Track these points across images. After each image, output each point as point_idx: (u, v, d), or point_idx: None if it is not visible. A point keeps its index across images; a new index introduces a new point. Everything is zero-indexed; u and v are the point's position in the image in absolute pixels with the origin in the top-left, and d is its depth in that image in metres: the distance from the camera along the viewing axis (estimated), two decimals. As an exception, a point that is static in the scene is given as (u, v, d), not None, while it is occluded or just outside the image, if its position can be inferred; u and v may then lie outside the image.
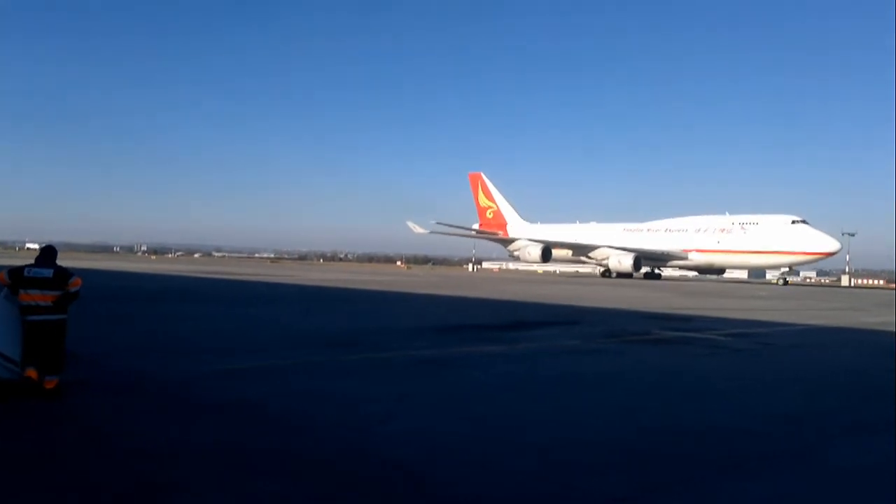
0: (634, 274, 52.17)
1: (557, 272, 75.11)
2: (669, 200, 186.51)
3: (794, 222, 47.86)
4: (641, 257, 51.86)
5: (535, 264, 63.18)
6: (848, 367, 9.43)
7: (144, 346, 9.08)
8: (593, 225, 61.10)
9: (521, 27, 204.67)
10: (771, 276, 57.97)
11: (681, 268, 56.76)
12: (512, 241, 60.25)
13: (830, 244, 47.10)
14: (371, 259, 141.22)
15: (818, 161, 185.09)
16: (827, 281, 71.21)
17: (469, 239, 70.26)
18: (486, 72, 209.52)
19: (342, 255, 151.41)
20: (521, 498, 3.68)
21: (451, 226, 64.81)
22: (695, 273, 58.95)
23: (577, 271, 73.55)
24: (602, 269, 56.45)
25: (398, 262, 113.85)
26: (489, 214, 68.01)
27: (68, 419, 5.07)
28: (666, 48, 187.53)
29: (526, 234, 61.38)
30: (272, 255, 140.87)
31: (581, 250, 56.50)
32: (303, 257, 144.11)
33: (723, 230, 50.57)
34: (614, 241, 54.86)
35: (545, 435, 4.98)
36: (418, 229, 62.36)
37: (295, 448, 4.43)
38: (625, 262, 51.20)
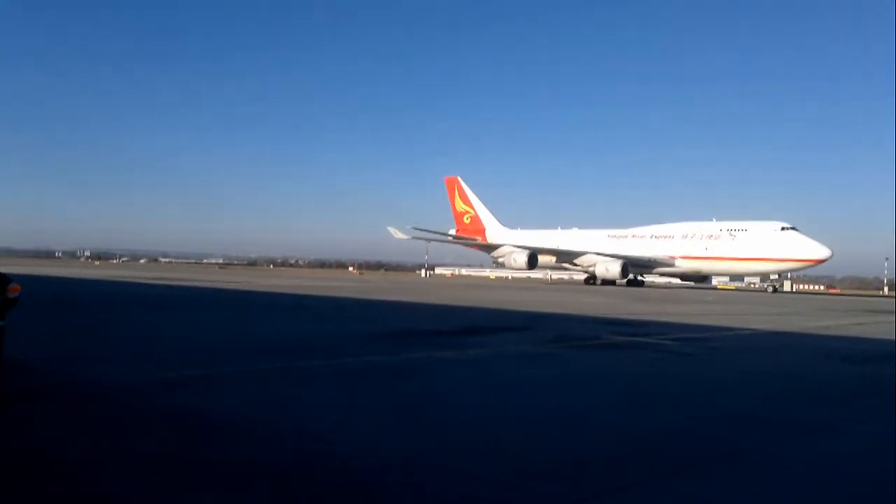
0: (618, 281, 51.40)
1: (550, 278, 73.34)
2: (650, 206, 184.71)
3: (783, 229, 47.26)
4: (629, 264, 51.09)
5: (521, 271, 61.84)
6: (791, 370, 9.67)
7: (89, 353, 8.79)
8: (575, 231, 60.19)
9: (500, 31, 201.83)
10: (750, 281, 58.53)
11: (667, 275, 56.15)
12: (496, 247, 59.19)
13: (821, 251, 46.42)
14: (323, 265, 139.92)
15: (798, 167, 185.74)
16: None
17: (422, 243, 69.19)
18: (455, 72, 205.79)
19: (293, 261, 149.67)
20: (472, 505, 3.64)
21: (429, 231, 63.48)
22: (678, 280, 58.19)
23: (562, 278, 72.38)
24: (587, 275, 55.60)
25: (350, 268, 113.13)
26: (466, 220, 66.98)
27: (6, 428, 4.84)
28: (649, 50, 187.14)
29: (507, 239, 60.47)
30: (221, 261, 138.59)
31: (566, 257, 55.65)
32: (252, 263, 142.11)
33: (710, 236, 50.06)
34: (599, 247, 54.16)
35: (499, 441, 4.96)
36: (399, 235, 61.04)
37: (243, 457, 4.32)
38: (612, 269, 50.64)
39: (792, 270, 50.21)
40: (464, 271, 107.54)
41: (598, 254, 52.82)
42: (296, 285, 34.94)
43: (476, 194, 67.73)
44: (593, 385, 7.71)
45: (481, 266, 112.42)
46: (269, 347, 9.95)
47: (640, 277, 54.18)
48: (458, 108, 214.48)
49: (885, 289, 53.31)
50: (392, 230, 60.85)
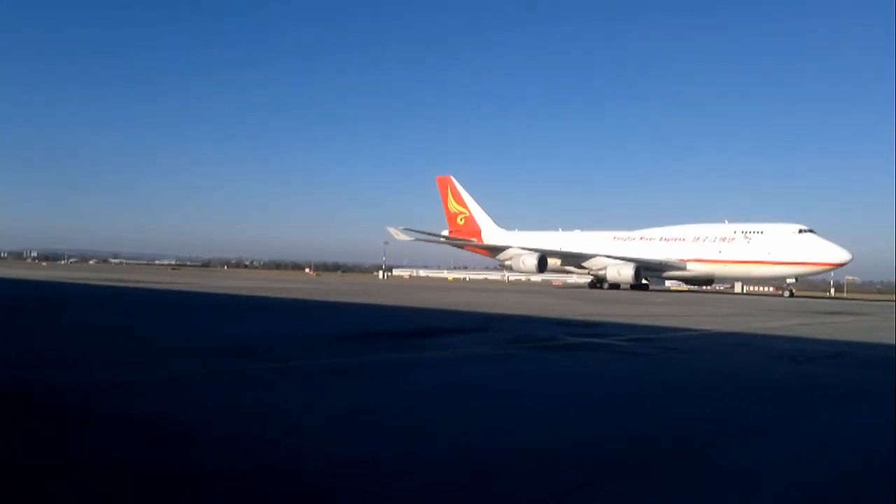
0: (629, 285, 49.21)
1: (565, 282, 71.29)
2: (651, 208, 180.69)
3: (801, 231, 45.68)
4: (641, 267, 48.92)
5: (530, 274, 59.90)
6: (740, 369, 9.88)
7: (36, 356, 8.50)
8: (578, 233, 57.94)
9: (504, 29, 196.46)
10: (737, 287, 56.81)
11: (677, 279, 54.20)
12: (501, 248, 56.73)
13: (840, 254, 45.02)
14: (279, 266, 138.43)
15: (799, 170, 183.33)
16: (771, 289, 70.19)
17: (378, 245, 68.37)
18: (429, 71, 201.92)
19: (248, 262, 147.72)
20: (428, 508, 3.62)
21: (422, 232, 61.47)
22: (678, 283, 56.49)
23: (565, 281, 70.40)
24: (593, 279, 53.54)
25: (307, 269, 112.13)
26: (460, 220, 64.60)
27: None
28: (647, 44, 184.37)
29: (505, 241, 58.47)
30: (173, 262, 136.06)
31: (573, 259, 53.42)
32: (206, 264, 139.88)
33: (724, 239, 48.19)
34: (606, 249, 52.04)
35: (456, 443, 4.95)
36: (400, 236, 58.83)
37: (194, 462, 4.23)
38: (624, 273, 48.59)
39: (810, 274, 48.43)
40: (422, 272, 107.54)
41: (609, 256, 50.54)
42: (250, 287, 34.47)
43: (470, 194, 65.31)
44: (549, 386, 7.76)
45: (438, 267, 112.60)
46: (222, 350, 9.78)
47: (643, 281, 51.83)
48: (448, 105, 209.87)
49: (832, 290, 54.41)
50: (392, 230, 58.52)
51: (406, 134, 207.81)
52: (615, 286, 50.01)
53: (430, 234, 62.17)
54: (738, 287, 60.24)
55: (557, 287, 65.49)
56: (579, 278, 63.33)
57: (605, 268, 50.20)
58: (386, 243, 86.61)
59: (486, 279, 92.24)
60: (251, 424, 5.31)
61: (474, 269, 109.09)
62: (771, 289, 58.00)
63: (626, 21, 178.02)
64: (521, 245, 55.00)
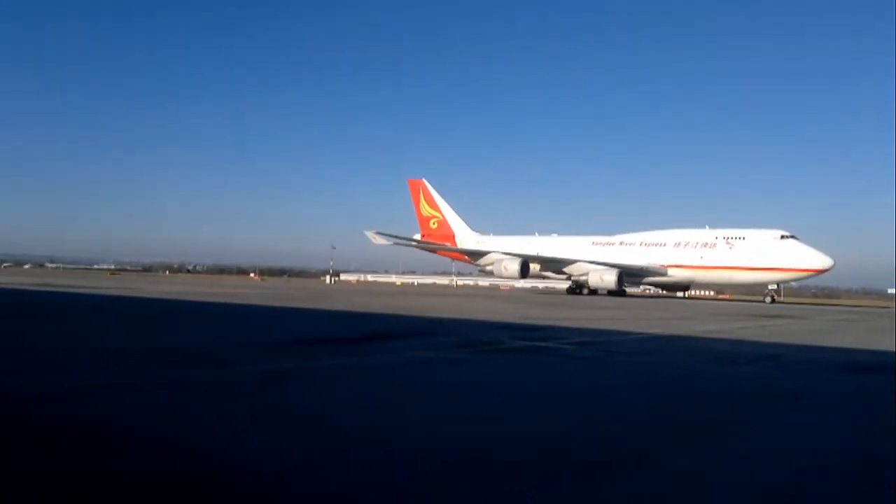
0: (607, 291, 48.51)
1: (535, 286, 70.53)
2: (628, 212, 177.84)
3: (783, 237, 45.51)
4: (624, 273, 48.17)
5: (513, 280, 57.99)
6: (683, 371, 10.06)
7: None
8: (556, 238, 57.17)
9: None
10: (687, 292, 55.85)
11: (658, 285, 53.54)
12: (482, 253, 55.42)
13: (823, 261, 44.84)
14: (222, 271, 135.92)
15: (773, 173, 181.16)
16: (712, 293, 70.70)
17: (326, 250, 67.10)
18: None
19: (190, 267, 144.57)
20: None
21: (395, 236, 59.89)
22: (653, 289, 55.78)
23: (536, 286, 69.51)
24: (572, 284, 52.51)
25: (252, 274, 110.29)
26: (433, 224, 63.26)
27: None
28: (625, 52, 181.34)
29: (480, 245, 57.47)
30: (112, 267, 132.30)
31: (554, 265, 52.33)
32: (147, 269, 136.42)
33: (706, 244, 47.80)
34: (586, 255, 51.28)
35: (400, 448, 4.87)
36: (379, 240, 57.19)
37: (137, 471, 4.06)
38: (607, 279, 47.89)
39: (792, 280, 48.06)
40: (370, 277, 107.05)
41: (592, 262, 49.76)
42: (193, 292, 33.70)
43: (443, 197, 63.92)
44: (494, 390, 7.75)
45: (386, 272, 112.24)
46: (162, 357, 9.49)
47: (622, 287, 50.96)
48: (419, 107, 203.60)
49: (768, 298, 55.42)
50: (370, 234, 56.72)
51: (374, 135, 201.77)
52: (594, 292, 49.35)
53: (403, 238, 60.88)
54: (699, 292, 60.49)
55: (505, 291, 65.87)
56: (555, 284, 62.73)
57: (586, 273, 49.42)
58: (333, 248, 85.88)
59: (435, 283, 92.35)
60: (191, 432, 5.14)
61: (422, 273, 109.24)
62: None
63: (601, 21, 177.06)
64: (502, 250, 53.79)
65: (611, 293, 49.43)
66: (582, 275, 50.10)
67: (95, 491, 3.73)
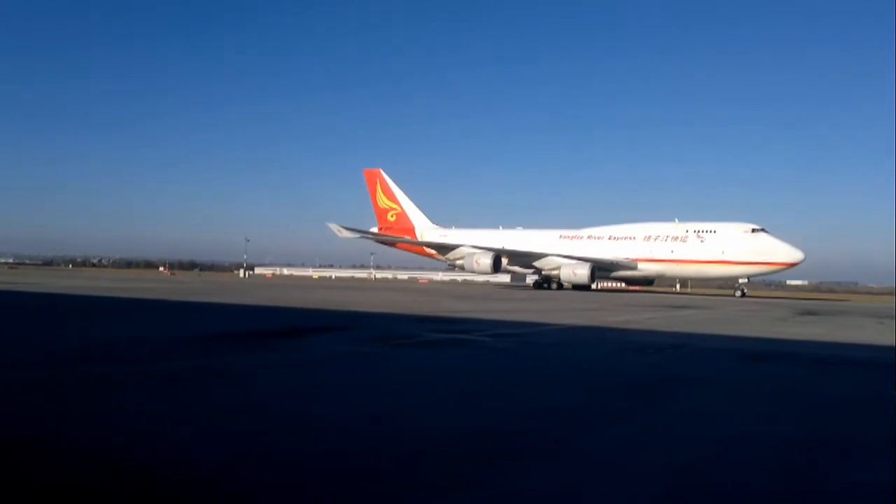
0: (572, 285, 47.73)
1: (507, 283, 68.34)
2: (589, 206, 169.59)
3: (753, 230, 45.10)
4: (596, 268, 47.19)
5: (485, 275, 56.36)
6: (594, 361, 10.33)
7: None
8: (522, 231, 55.75)
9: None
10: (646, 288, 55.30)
11: (627, 279, 53.11)
12: (452, 247, 53.05)
13: (794, 254, 44.56)
14: (130, 264, 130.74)
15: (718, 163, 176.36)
16: (622, 284, 70.87)
17: (240, 242, 63.85)
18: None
19: (95, 260, 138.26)
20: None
21: (359, 230, 57.42)
22: (620, 284, 54.94)
23: (488, 281, 67.58)
24: (539, 279, 51.66)
25: (161, 268, 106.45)
26: (391, 217, 61.01)
27: None
28: (586, 44, 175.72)
29: (440, 238, 55.78)
30: (11, 261, 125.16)
31: (524, 259, 51.10)
32: (48, 262, 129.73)
33: (676, 238, 47.10)
34: (555, 249, 50.25)
35: (315, 446, 4.81)
36: (345, 233, 54.65)
37: (40, 472, 3.86)
38: (580, 273, 46.87)
39: (763, 274, 47.53)
40: (286, 271, 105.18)
41: (564, 256, 48.64)
42: (98, 286, 32.25)
43: (402, 189, 61.75)
44: (412, 383, 7.75)
45: (303, 265, 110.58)
46: (70, 354, 9.03)
47: (593, 281, 49.60)
48: (374, 93, 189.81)
49: (678, 285, 56.69)
50: (334, 227, 54.10)
51: (325, 121, 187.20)
52: (561, 286, 48.70)
53: (358, 230, 58.12)
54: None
55: (423, 284, 65.85)
56: (503, 278, 61.92)
57: (558, 268, 48.47)
58: (247, 240, 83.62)
59: (353, 277, 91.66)
60: (102, 432, 4.92)
61: (341, 266, 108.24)
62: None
63: (553, 9, 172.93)
64: (469, 243, 52.06)
65: (576, 287, 48.50)
66: (553, 269, 49.21)
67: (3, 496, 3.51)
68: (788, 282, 48.71)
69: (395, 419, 5.77)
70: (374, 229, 61.22)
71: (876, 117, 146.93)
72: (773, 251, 44.40)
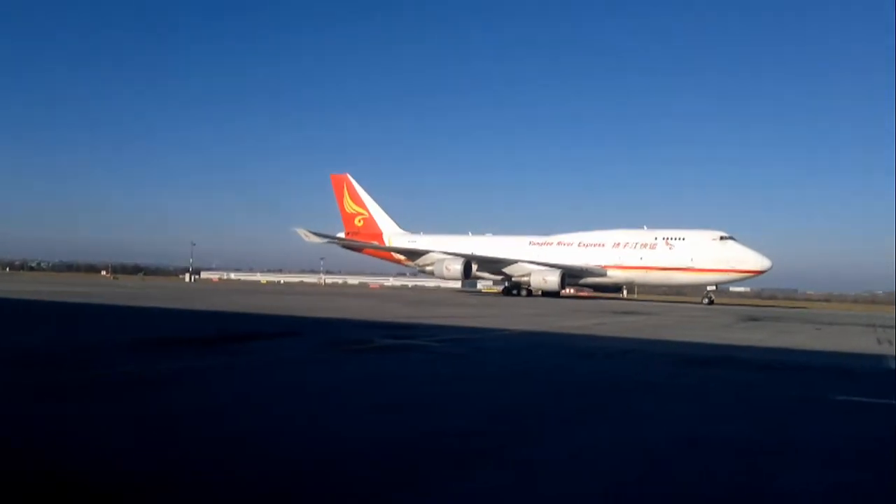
0: (541, 291, 47.59)
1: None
2: (558, 212, 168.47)
3: (722, 238, 45.28)
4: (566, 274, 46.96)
5: (455, 281, 55.58)
6: (544, 366, 10.42)
7: None
8: (491, 237, 55.45)
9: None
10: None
11: (595, 286, 52.79)
12: (422, 253, 52.67)
13: (761, 262, 44.85)
14: (71, 268, 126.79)
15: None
16: (572, 290, 71.19)
17: (186, 245, 62.47)
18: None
19: (34, 264, 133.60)
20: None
21: (327, 236, 56.56)
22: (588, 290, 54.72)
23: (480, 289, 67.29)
24: (509, 285, 51.21)
25: (104, 272, 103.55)
26: (358, 222, 60.29)
27: None
28: (550, 51, 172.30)
29: (418, 245, 55.08)
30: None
31: (494, 265, 50.63)
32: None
33: (645, 245, 47.29)
34: (524, 255, 50.00)
35: (263, 453, 4.72)
36: (312, 238, 53.65)
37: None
38: (550, 280, 46.88)
39: (731, 282, 48.09)
40: (233, 275, 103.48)
41: (534, 262, 48.58)
42: (38, 290, 31.17)
43: (369, 194, 61.12)
44: (362, 390, 7.69)
45: (251, 269, 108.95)
46: (3, 359, 8.69)
47: (563, 288, 49.70)
48: (342, 100, 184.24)
49: (625, 292, 57.21)
50: (301, 232, 53.05)
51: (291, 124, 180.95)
52: (531, 293, 48.67)
53: (327, 236, 57.66)
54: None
55: (374, 289, 65.55)
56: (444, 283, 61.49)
57: (528, 274, 48.37)
58: (193, 244, 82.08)
59: (302, 282, 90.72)
60: (36, 442, 4.74)
61: (289, 271, 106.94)
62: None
63: (525, 8, 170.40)
64: (438, 249, 51.80)
65: (546, 294, 48.62)
66: (523, 275, 49.04)
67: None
68: (731, 288, 48.95)
69: (343, 426, 5.71)
70: (341, 234, 60.60)
71: (803, 121, 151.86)
72: (741, 259, 44.63)
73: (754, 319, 28.06)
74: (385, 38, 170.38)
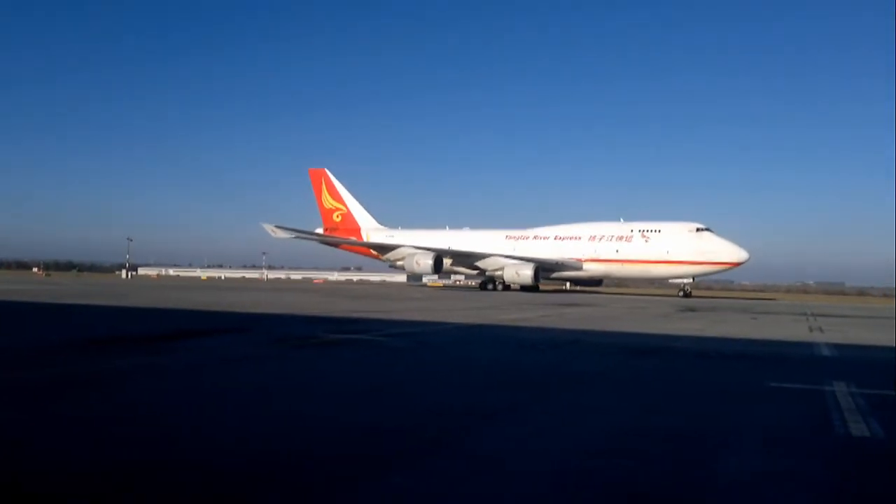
0: (520, 286, 47.00)
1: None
2: (540, 206, 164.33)
3: (698, 230, 44.82)
4: (540, 268, 46.50)
5: (425, 275, 55.05)
6: (488, 359, 10.53)
7: None
8: (468, 232, 54.55)
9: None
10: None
11: (572, 279, 52.69)
12: (391, 248, 51.56)
13: (738, 254, 44.32)
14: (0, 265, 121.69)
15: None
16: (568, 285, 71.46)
17: (122, 242, 59.81)
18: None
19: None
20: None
21: (299, 231, 54.63)
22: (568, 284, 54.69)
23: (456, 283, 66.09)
24: (484, 280, 50.74)
25: (35, 269, 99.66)
26: (337, 217, 59.00)
27: None
28: (526, 43, 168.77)
29: (388, 240, 53.95)
30: None
31: (467, 259, 49.93)
32: None
33: (621, 238, 46.65)
34: (500, 249, 49.39)
35: (207, 455, 4.67)
36: (280, 233, 51.49)
37: None
38: (523, 274, 46.18)
39: (708, 274, 47.36)
40: (171, 271, 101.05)
41: (507, 256, 48.05)
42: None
43: (348, 189, 59.83)
44: (308, 384, 7.66)
45: (190, 265, 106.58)
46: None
47: (538, 282, 48.28)
48: (321, 95, 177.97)
49: (568, 284, 57.92)
50: (268, 228, 51.11)
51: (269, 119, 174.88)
52: (507, 287, 48.16)
53: (305, 231, 56.05)
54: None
55: (318, 284, 64.89)
56: (466, 279, 60.83)
57: (502, 268, 47.82)
58: (130, 240, 79.72)
59: (244, 277, 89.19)
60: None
61: (230, 267, 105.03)
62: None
63: (505, 8, 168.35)
64: (413, 244, 50.69)
65: (524, 288, 47.77)
66: (497, 269, 48.51)
67: None
68: (671, 280, 49.36)
69: (288, 422, 5.68)
70: (320, 230, 59.51)
71: (773, 119, 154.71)
72: (717, 251, 44.36)
73: (692, 310, 28.84)
74: (363, 31, 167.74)
